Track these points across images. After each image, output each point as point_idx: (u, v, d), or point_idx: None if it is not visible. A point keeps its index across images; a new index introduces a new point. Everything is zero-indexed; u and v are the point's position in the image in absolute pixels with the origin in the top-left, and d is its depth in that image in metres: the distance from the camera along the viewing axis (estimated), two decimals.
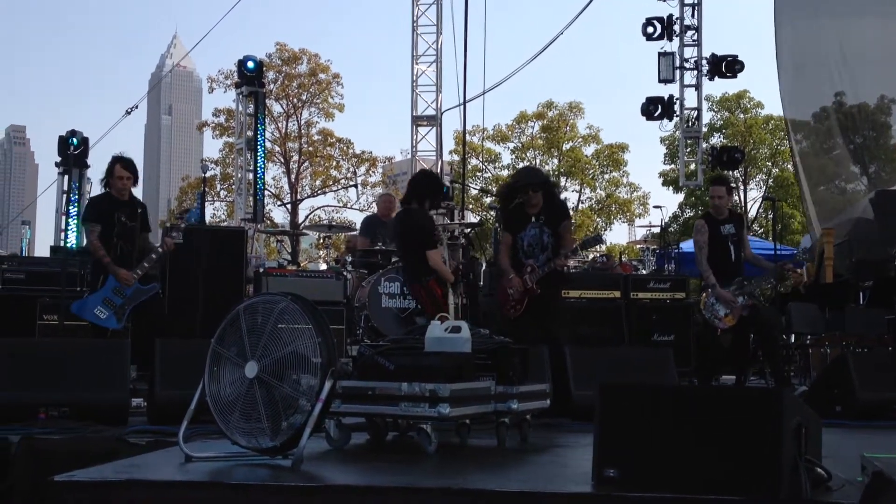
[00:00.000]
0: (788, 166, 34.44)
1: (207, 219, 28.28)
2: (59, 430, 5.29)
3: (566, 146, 38.79)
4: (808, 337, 10.64)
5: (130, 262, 7.30)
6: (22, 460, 4.90)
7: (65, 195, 16.13)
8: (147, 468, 4.03)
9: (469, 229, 12.48)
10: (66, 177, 16.15)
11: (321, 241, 12.75)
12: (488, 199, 28.24)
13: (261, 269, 10.43)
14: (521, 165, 35.82)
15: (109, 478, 3.60)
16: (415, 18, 19.88)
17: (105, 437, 5.20)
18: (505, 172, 37.23)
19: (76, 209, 15.56)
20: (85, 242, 12.50)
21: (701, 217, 8.10)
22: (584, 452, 3.73)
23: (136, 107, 18.54)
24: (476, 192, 31.45)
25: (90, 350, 6.27)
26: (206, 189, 29.94)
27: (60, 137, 15.82)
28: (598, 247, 10.47)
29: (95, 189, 16.38)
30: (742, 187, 36.86)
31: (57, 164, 16.57)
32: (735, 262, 7.79)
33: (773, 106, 36.57)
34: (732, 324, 7.68)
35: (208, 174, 30.63)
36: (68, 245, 14.27)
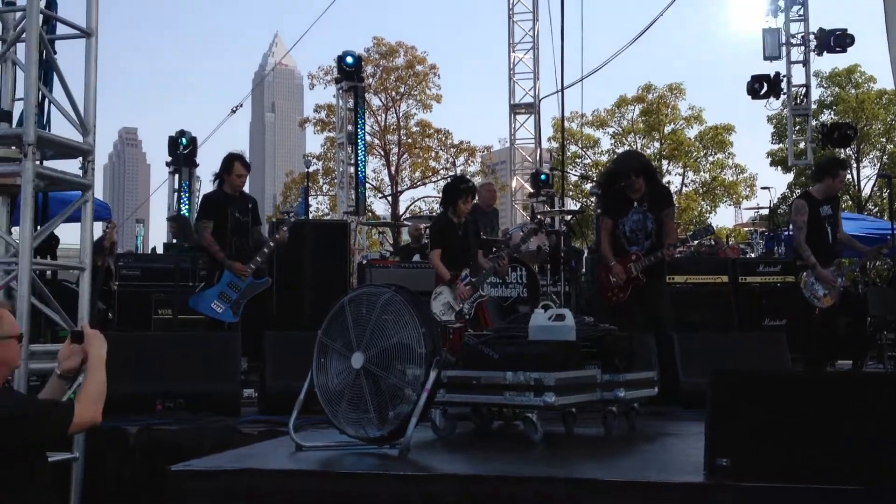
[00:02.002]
0: None
1: (311, 213, 28.77)
2: (176, 421, 5.47)
3: (668, 129, 38.05)
4: None
5: (246, 257, 7.47)
6: (141, 450, 5.10)
7: (175, 193, 16.63)
8: (260, 457, 4.13)
9: (569, 216, 12.39)
10: (177, 176, 16.65)
11: (423, 231, 12.84)
12: (588, 186, 27.93)
13: (364, 261, 10.57)
14: (620, 150, 35.28)
15: (225, 466, 3.70)
16: (511, 6, 19.80)
17: (219, 428, 5.36)
18: (604, 158, 36.79)
19: (187, 207, 16.03)
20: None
21: (800, 198, 7.86)
22: (695, 441, 3.65)
23: (241, 105, 19.07)
24: (576, 178, 31.16)
25: (202, 343, 6.48)
26: (310, 183, 30.52)
27: (170, 138, 16.30)
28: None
29: (205, 187, 16.86)
30: (855, 165, 35.50)
31: (167, 164, 17.09)
32: (832, 244, 7.61)
33: (887, 79, 35.02)
34: (831, 304, 7.47)
35: (311, 169, 31.22)
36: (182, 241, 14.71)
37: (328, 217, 31.63)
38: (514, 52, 19.79)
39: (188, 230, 11.89)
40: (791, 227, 7.81)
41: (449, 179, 8.62)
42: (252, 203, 7.79)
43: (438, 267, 7.46)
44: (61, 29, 5.39)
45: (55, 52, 5.19)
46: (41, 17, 5.01)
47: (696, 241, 8.19)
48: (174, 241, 11.73)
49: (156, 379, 5.86)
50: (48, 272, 8.27)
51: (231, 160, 7.68)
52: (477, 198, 8.99)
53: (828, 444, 3.20)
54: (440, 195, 8.67)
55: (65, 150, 5.19)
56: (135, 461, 5.12)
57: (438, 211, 8.03)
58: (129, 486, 5.11)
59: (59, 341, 4.55)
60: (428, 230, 11.71)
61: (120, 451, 5.16)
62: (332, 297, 4.53)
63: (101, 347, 3.35)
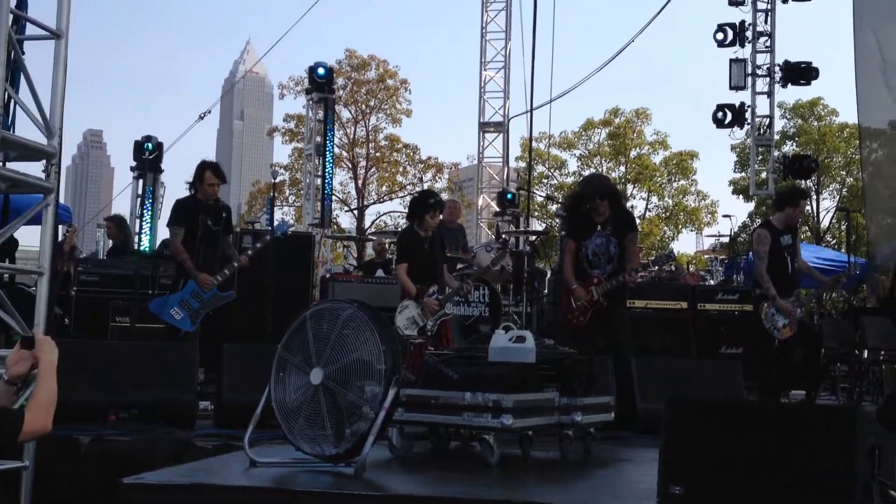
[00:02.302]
0: (866, 175, 33.56)
1: (276, 223, 28.60)
2: (129, 432, 5.40)
3: (633, 153, 38.43)
4: (882, 352, 10.35)
5: (213, 266, 7.43)
6: (92, 460, 5.02)
7: (139, 199, 16.43)
8: (213, 472, 4.09)
9: (534, 237, 12.47)
10: (141, 181, 16.46)
11: (387, 246, 12.84)
12: (554, 207, 28.10)
13: (327, 275, 10.54)
14: (587, 172, 35.53)
15: (176, 481, 3.67)
16: (484, 24, 19.90)
17: (172, 440, 5.29)
18: (571, 179, 37.03)
19: (150, 213, 15.86)
20: (157, 245, 12.78)
21: (762, 227, 7.95)
22: (650, 468, 3.68)
23: (210, 112, 18.86)
24: (541, 199, 31.32)
25: (159, 352, 6.40)
26: (276, 194, 30.33)
27: (136, 142, 16.13)
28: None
29: (169, 193, 16.68)
30: (815, 197, 36.06)
31: (132, 169, 16.90)
32: (792, 274, 7.71)
33: (848, 113, 35.77)
34: (790, 335, 7.56)
35: (277, 179, 31.05)
36: (142, 248, 14.56)
37: (293, 228, 31.46)
38: (485, 70, 19.88)
39: (126, 232, 11.74)
40: (752, 255, 7.91)
41: (416, 194, 8.68)
42: (226, 212, 7.76)
43: (405, 281, 7.45)
44: (30, 29, 5.33)
45: (23, 53, 5.13)
46: (11, 16, 4.95)
47: (657, 267, 8.30)
48: (111, 242, 11.54)
49: (110, 388, 5.77)
50: (5, 275, 8.15)
51: (203, 168, 7.65)
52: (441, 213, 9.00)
53: (781, 475, 3.24)
54: (406, 210, 8.68)
55: (28, 152, 5.12)
56: (86, 472, 5.04)
57: (404, 225, 8.05)
58: (80, 496, 5.02)
59: (13, 347, 4.49)
60: (393, 245, 11.73)
61: (71, 460, 5.08)
62: (294, 310, 4.52)
63: (51, 353, 3.29)
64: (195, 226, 7.45)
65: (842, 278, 8.60)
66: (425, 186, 34.99)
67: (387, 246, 12.81)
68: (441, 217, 8.23)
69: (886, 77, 16.12)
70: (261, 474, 3.95)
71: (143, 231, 15.38)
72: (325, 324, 4.17)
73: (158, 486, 3.59)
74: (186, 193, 7.84)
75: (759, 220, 36.73)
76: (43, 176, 5.13)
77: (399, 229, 28.17)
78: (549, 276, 11.72)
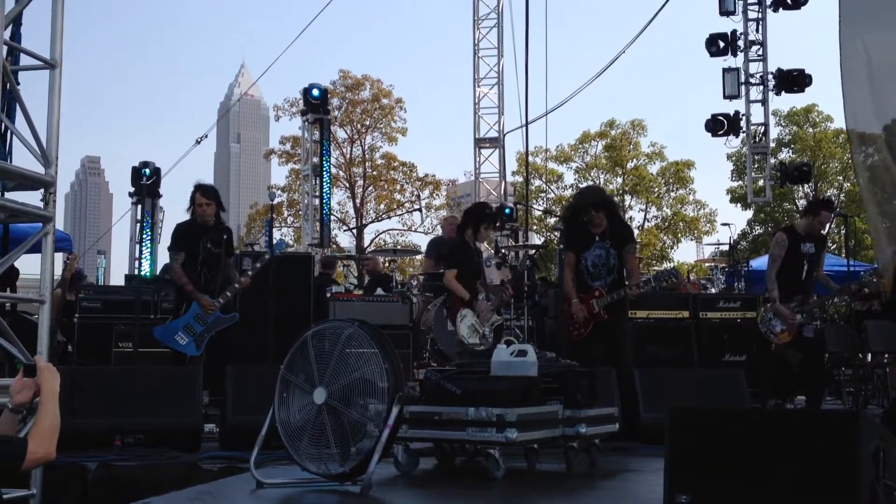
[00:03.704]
0: (861, 181, 33.64)
1: (274, 243, 28.59)
2: (135, 457, 5.40)
3: (630, 164, 38.51)
4: (886, 356, 10.34)
5: (214, 290, 7.45)
6: (99, 487, 5.02)
7: (138, 224, 16.49)
8: (220, 495, 4.09)
9: (533, 251, 12.48)
10: (140, 206, 16.53)
11: (387, 264, 12.86)
12: (552, 220, 28.11)
13: (328, 294, 10.53)
14: (584, 185, 35.60)
15: None
16: (476, 42, 19.99)
17: (179, 464, 5.29)
18: (568, 192, 37.09)
19: (149, 238, 15.91)
20: (158, 270, 12.79)
21: (783, 230, 7.95)
22: (655, 477, 3.68)
23: (206, 136, 18.95)
24: (539, 213, 31.35)
25: (163, 376, 6.40)
26: (274, 215, 30.39)
27: (134, 168, 16.21)
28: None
29: (168, 218, 16.73)
30: None
31: (130, 194, 16.97)
32: (805, 281, 7.68)
33: (842, 119, 35.88)
34: (787, 340, 7.56)
35: (276, 201, 31.12)
36: (142, 273, 14.58)
37: (293, 249, 31.51)
38: (479, 87, 19.95)
39: None
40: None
41: (472, 205, 8.73)
42: (227, 234, 7.77)
43: (457, 288, 7.46)
44: (25, 60, 5.37)
45: (18, 83, 5.17)
46: (5, 48, 4.98)
47: (657, 282, 8.33)
48: None
49: (115, 413, 5.78)
50: (7, 304, 8.16)
51: (193, 192, 7.70)
52: (441, 230, 9.05)
53: (786, 480, 3.24)
54: (404, 227, 8.73)
55: (26, 181, 5.15)
56: (94, 498, 5.03)
57: (435, 232, 8.14)
58: None
59: (17, 375, 4.50)
60: (393, 262, 11.74)
61: (78, 487, 5.07)
62: (295, 330, 4.52)
63: (53, 381, 3.31)
64: (196, 250, 7.47)
65: (853, 285, 8.59)
66: (423, 204, 35.08)
67: (383, 264, 12.81)
68: (441, 234, 8.28)
69: (874, 82, 16.18)
70: (267, 495, 3.96)
71: (143, 256, 15.41)
72: (326, 343, 4.18)
73: None
74: (185, 218, 7.86)
75: (758, 228, 36.96)
76: (41, 205, 5.16)
77: (398, 247, 28.05)
78: (549, 289, 11.71)
